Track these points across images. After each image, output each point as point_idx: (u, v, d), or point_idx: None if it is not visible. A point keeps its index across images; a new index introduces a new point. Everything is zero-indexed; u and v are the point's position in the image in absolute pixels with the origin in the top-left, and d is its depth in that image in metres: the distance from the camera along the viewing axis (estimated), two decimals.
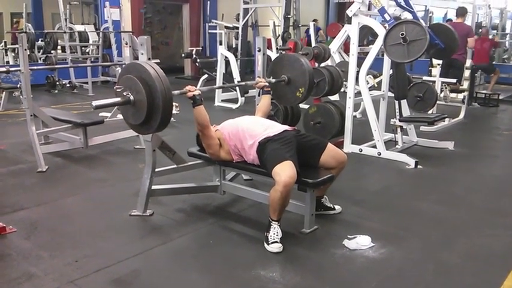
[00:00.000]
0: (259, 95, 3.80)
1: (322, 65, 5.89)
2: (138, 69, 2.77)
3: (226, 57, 8.43)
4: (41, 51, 10.41)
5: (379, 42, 4.83)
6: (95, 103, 2.71)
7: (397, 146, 5.24)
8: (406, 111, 5.49)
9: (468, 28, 7.74)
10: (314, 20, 11.47)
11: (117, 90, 2.82)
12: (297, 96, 3.84)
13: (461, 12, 7.63)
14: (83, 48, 11.16)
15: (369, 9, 5.18)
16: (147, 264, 2.74)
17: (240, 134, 3.18)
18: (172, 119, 4.14)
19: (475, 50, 8.35)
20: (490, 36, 9.85)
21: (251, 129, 3.18)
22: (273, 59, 4.57)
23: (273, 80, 3.80)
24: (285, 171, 2.78)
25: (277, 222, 2.91)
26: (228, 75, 8.61)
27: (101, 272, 2.62)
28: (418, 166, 4.66)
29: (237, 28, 9.90)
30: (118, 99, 2.78)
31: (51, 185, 4.07)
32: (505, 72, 10.43)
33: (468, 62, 7.91)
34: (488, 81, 9.93)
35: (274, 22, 10.33)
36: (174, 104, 6.31)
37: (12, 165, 4.57)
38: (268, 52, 5.96)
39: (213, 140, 3.21)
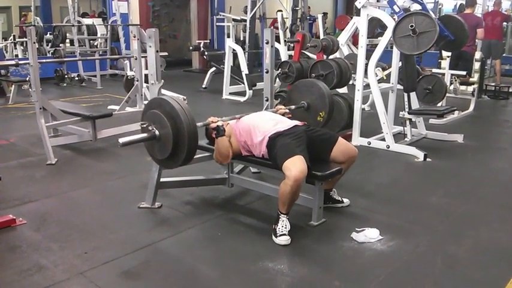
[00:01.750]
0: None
1: (331, 57, 5.86)
2: (162, 104, 2.79)
3: (234, 50, 8.41)
4: (50, 44, 10.45)
5: (388, 34, 4.79)
6: (121, 140, 2.74)
7: (406, 139, 5.21)
8: (415, 104, 5.45)
9: (477, 19, 7.65)
10: (324, 14, 11.42)
11: (142, 126, 2.84)
12: (318, 120, 3.86)
13: (471, 2, 7.54)
14: (91, 41, 11.18)
15: (377, 0, 5.14)
16: (156, 256, 2.76)
17: (251, 130, 3.17)
18: None
19: (485, 25, 8.13)
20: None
21: (261, 125, 3.17)
22: (290, 88, 4.54)
23: (293, 107, 3.81)
24: (295, 166, 2.78)
25: (285, 215, 2.91)
26: (235, 68, 8.59)
27: (110, 264, 2.64)
28: (427, 159, 4.64)
29: (245, 21, 9.86)
30: (144, 135, 2.81)
31: (60, 178, 4.09)
32: None
33: (478, 54, 7.82)
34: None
35: (282, 14, 10.27)
36: (181, 97, 6.32)
37: (22, 158, 4.60)
38: (276, 45, 5.93)
39: (228, 160, 3.22)
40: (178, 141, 2.71)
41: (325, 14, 14.28)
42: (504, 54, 10.47)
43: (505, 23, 10.63)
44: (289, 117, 3.59)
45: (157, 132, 2.77)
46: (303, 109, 3.88)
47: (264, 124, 3.17)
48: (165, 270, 2.62)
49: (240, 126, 3.25)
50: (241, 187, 3.67)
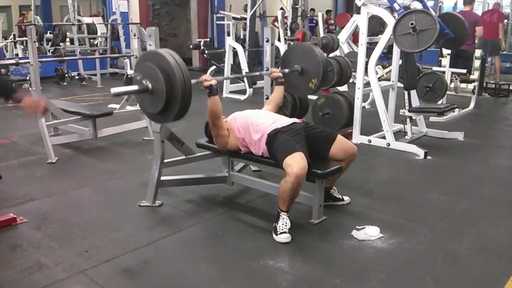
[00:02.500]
0: (271, 85, 3.78)
1: (331, 55, 5.86)
2: (156, 57, 2.74)
3: (234, 48, 8.41)
4: (50, 43, 10.46)
5: (388, 32, 4.79)
6: (113, 90, 2.68)
7: (406, 137, 5.22)
8: (416, 102, 5.45)
9: (476, 16, 7.64)
10: (328, 12, 11.41)
11: (135, 77, 2.79)
12: (310, 87, 3.79)
13: (469, 0, 7.53)
14: (91, 40, 11.18)
15: None
16: (157, 255, 2.76)
17: (250, 127, 3.17)
18: None
19: (483, 23, 8.10)
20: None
21: (259, 122, 3.17)
22: (285, 49, 4.50)
23: (287, 71, 3.75)
24: (296, 163, 2.78)
25: (286, 213, 2.91)
26: (236, 67, 8.59)
27: (111, 262, 2.64)
28: (428, 157, 4.64)
29: (245, 19, 9.85)
30: (136, 86, 2.75)
31: (61, 176, 4.10)
32: None
33: (477, 52, 7.82)
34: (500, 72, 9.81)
35: (282, 12, 10.27)
36: None
37: (23, 157, 4.60)
38: (276, 43, 5.93)
39: (222, 130, 3.21)
40: (171, 97, 2.66)
41: (329, 12, 14.28)
42: (504, 52, 10.48)
43: (505, 21, 10.65)
44: (281, 82, 3.63)
45: (150, 85, 2.72)
46: (296, 73, 3.79)
47: (262, 121, 3.17)
48: (166, 269, 2.62)
49: (238, 123, 3.25)
50: (241, 185, 3.67)
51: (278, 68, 3.82)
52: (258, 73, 3.91)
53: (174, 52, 2.74)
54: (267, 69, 3.82)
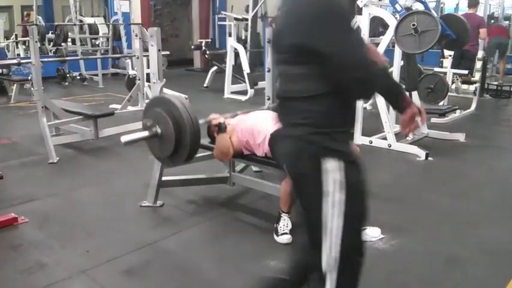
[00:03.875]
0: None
1: None
2: (164, 102, 2.79)
3: (235, 49, 8.41)
4: (52, 43, 10.46)
5: (390, 33, 4.79)
6: (123, 139, 2.73)
7: (407, 138, 5.21)
8: (417, 103, 5.44)
9: (480, 19, 7.64)
10: None
11: (144, 123, 2.83)
12: None
13: (473, 3, 7.53)
14: (92, 40, 11.19)
15: None
16: (158, 255, 2.77)
17: (254, 131, 3.17)
18: None
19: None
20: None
21: (263, 124, 3.16)
22: None
23: None
24: None
25: (287, 214, 2.91)
26: (237, 67, 8.59)
27: (112, 262, 2.65)
28: (429, 158, 4.63)
29: (247, 19, 9.86)
30: (146, 133, 2.81)
31: (62, 176, 4.10)
32: None
33: (480, 53, 7.82)
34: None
35: None
36: (183, 96, 6.30)
37: (24, 157, 4.61)
38: None
39: (228, 158, 3.23)
40: (180, 140, 2.71)
41: None
42: (508, 54, 10.47)
43: (507, 22, 10.64)
44: None
45: (159, 131, 2.77)
46: None
47: (265, 122, 3.17)
48: (167, 269, 2.62)
49: (242, 126, 3.25)
50: (243, 186, 3.67)
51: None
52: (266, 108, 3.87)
53: (181, 97, 2.78)
54: (268, 70, 3.81)
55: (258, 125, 3.16)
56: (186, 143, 2.69)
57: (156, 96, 3.06)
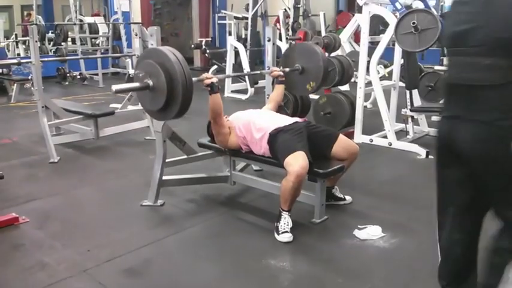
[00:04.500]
0: (272, 84, 3.78)
1: (333, 54, 5.85)
2: (158, 54, 2.75)
3: (235, 47, 8.40)
4: (52, 43, 10.46)
5: (390, 31, 4.79)
6: (114, 87, 2.69)
7: (408, 136, 5.21)
8: (417, 101, 5.44)
9: None
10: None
11: (136, 74, 2.80)
12: (307, 88, 3.80)
13: None
14: (93, 39, 11.19)
15: None
16: (159, 254, 2.77)
17: (251, 127, 3.18)
18: None
19: None
20: None
21: (261, 121, 3.17)
22: (288, 47, 4.45)
23: (287, 70, 3.74)
24: (297, 162, 2.78)
25: (287, 213, 2.91)
26: (237, 66, 8.59)
27: (113, 262, 2.65)
28: (429, 156, 4.63)
29: (247, 18, 9.84)
30: (137, 84, 2.76)
31: (63, 176, 4.10)
32: None
33: None
34: None
35: (284, 12, 10.27)
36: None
37: (25, 157, 4.61)
38: (278, 42, 5.93)
39: (223, 128, 3.22)
40: (172, 93, 2.66)
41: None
42: None
43: None
44: (281, 81, 3.63)
45: (151, 83, 2.73)
46: (297, 72, 3.79)
47: (264, 120, 3.18)
48: (167, 268, 2.62)
49: (239, 122, 3.26)
50: (243, 185, 3.67)
51: (280, 67, 3.82)
52: (259, 72, 3.92)
53: (176, 50, 2.75)
54: (269, 68, 3.82)
55: (257, 122, 3.17)
56: (177, 96, 2.65)
57: (151, 48, 3.03)
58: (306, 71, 3.77)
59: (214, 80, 3.06)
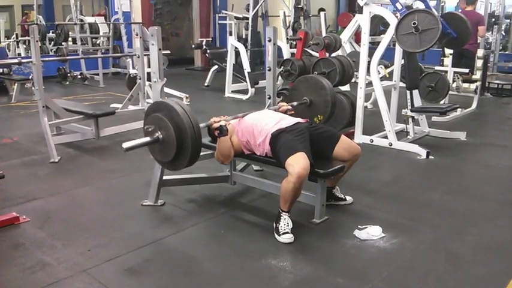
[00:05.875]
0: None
1: (333, 55, 5.85)
2: (165, 107, 2.79)
3: (236, 47, 8.41)
4: (52, 43, 10.47)
5: (390, 31, 4.79)
6: (125, 145, 2.72)
7: (408, 137, 5.21)
8: (418, 102, 5.45)
9: (479, 16, 7.62)
10: (321, 10, 11.45)
11: (146, 129, 2.83)
12: (314, 121, 3.85)
13: (472, 0, 7.52)
14: (93, 39, 11.20)
15: None
16: (159, 254, 2.77)
17: (254, 130, 3.17)
18: None
19: None
20: (503, 26, 9.71)
21: (263, 124, 3.17)
22: (296, 79, 4.43)
23: (295, 104, 3.77)
24: (298, 163, 2.78)
25: (287, 213, 2.91)
26: (238, 66, 8.59)
27: (114, 261, 2.65)
28: (430, 157, 4.63)
29: (247, 18, 9.85)
30: (147, 138, 2.81)
31: (63, 176, 4.10)
32: None
33: (480, 52, 7.81)
34: (502, 71, 9.82)
35: (284, 12, 10.27)
36: (184, 95, 6.33)
37: (25, 156, 4.61)
38: (278, 42, 5.92)
39: (230, 160, 3.24)
40: (182, 145, 2.71)
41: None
42: (507, 52, 10.46)
43: (507, 20, 10.63)
44: (291, 114, 3.59)
45: (160, 136, 2.78)
46: (305, 105, 3.86)
47: (266, 122, 3.17)
48: (168, 268, 2.62)
49: (242, 126, 3.25)
50: (243, 185, 3.67)
51: (285, 100, 3.84)
52: (265, 110, 3.91)
53: (182, 102, 2.79)
54: (269, 69, 3.81)
55: (258, 125, 3.17)
56: (187, 148, 2.70)
57: (157, 101, 3.06)
58: (314, 104, 3.86)
59: (223, 123, 3.06)
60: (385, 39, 4.94)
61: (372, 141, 5.06)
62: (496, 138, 5.62)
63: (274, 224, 2.94)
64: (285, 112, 3.61)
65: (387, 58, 6.14)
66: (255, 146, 3.19)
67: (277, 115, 3.34)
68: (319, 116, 3.82)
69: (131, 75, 6.79)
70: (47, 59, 7.63)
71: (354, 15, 7.15)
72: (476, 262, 2.71)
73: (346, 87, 6.13)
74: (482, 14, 8.72)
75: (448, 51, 7.50)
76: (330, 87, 3.82)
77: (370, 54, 5.07)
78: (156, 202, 3.41)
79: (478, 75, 7.71)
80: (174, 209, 3.38)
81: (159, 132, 2.77)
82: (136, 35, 5.20)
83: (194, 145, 2.70)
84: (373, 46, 5.32)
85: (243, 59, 8.26)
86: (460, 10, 7.93)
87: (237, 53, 8.53)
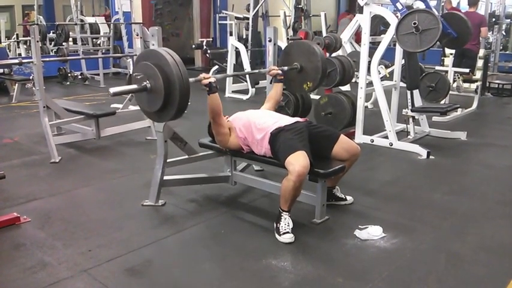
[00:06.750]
0: (271, 83, 3.77)
1: (334, 55, 5.86)
2: (155, 55, 2.75)
3: (236, 48, 8.41)
4: (53, 43, 10.48)
5: (391, 31, 4.79)
6: (112, 90, 2.70)
7: (409, 137, 5.21)
8: (419, 102, 5.45)
9: (481, 17, 7.63)
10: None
11: (134, 76, 2.80)
12: (303, 87, 3.79)
13: (474, 1, 7.53)
14: (94, 40, 11.20)
15: None
16: (160, 254, 2.77)
17: (252, 127, 3.18)
18: None
19: None
20: (504, 26, 9.71)
21: (262, 121, 3.17)
22: (288, 44, 4.42)
23: (286, 68, 3.72)
24: (298, 161, 2.78)
25: (288, 213, 2.91)
26: (238, 66, 8.60)
27: (114, 261, 2.65)
28: (430, 156, 4.63)
29: (248, 18, 9.86)
30: (135, 86, 2.77)
31: (64, 176, 4.11)
32: None
33: (481, 52, 7.81)
34: (503, 71, 9.81)
35: (284, 12, 10.28)
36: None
37: (26, 156, 4.61)
38: (279, 42, 5.93)
39: (223, 128, 3.22)
40: (169, 95, 2.67)
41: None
42: (508, 52, 10.45)
43: (508, 20, 10.63)
44: (280, 79, 3.62)
45: (148, 85, 2.74)
46: (295, 70, 3.77)
47: (265, 120, 3.17)
48: (168, 268, 2.62)
49: (240, 122, 3.26)
50: (244, 185, 3.67)
51: (278, 64, 3.81)
52: (257, 71, 3.91)
53: (172, 51, 2.76)
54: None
55: (258, 122, 3.17)
56: (175, 99, 2.67)
57: (148, 49, 3.03)
58: (305, 70, 3.75)
59: (212, 79, 3.06)
60: (386, 39, 4.94)
61: (373, 141, 5.06)
62: (497, 138, 5.62)
63: (275, 224, 2.94)
64: (274, 76, 3.62)
65: (388, 58, 6.15)
66: (253, 142, 3.19)
67: (276, 114, 3.34)
68: (308, 83, 3.73)
69: (132, 76, 6.80)
70: (47, 59, 7.65)
71: (355, 15, 7.15)
72: (477, 262, 2.71)
73: (346, 87, 6.14)
74: (483, 14, 8.72)
75: (448, 51, 7.51)
76: (321, 54, 3.74)
77: (371, 54, 5.07)
78: (157, 202, 3.41)
79: (478, 75, 7.72)
80: (175, 209, 3.39)
81: (148, 81, 2.74)
82: (137, 35, 5.20)
83: (182, 96, 2.65)
84: (373, 46, 5.32)
85: (244, 59, 8.26)
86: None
87: (238, 53, 8.53)
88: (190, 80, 2.77)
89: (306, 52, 3.76)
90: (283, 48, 4.09)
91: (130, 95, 5.60)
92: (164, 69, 2.66)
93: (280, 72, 3.63)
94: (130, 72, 6.97)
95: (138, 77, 2.76)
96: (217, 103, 3.12)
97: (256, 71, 3.97)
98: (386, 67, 6.32)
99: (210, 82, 3.05)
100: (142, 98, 2.86)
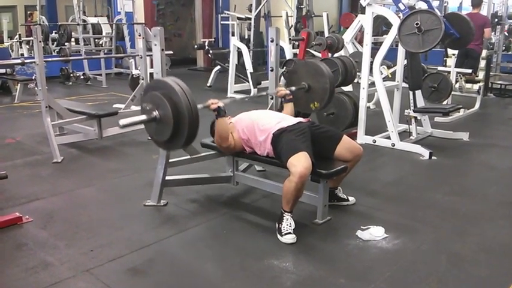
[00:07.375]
0: (280, 103, 3.75)
1: (336, 55, 5.85)
2: (162, 86, 2.77)
3: (239, 48, 8.42)
4: (55, 43, 10.50)
5: (393, 32, 4.78)
6: (121, 122, 2.71)
7: (411, 137, 5.21)
8: (421, 102, 5.44)
9: (484, 18, 7.62)
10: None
11: (144, 107, 2.82)
12: (310, 107, 3.78)
13: (477, 2, 7.52)
14: (96, 40, 11.22)
15: None
16: (162, 254, 2.77)
17: (255, 128, 3.18)
18: None
19: None
20: (506, 26, 9.69)
21: (265, 122, 3.17)
22: (296, 63, 4.38)
23: (293, 88, 3.70)
24: (300, 162, 2.78)
25: (289, 214, 2.91)
26: (240, 67, 8.60)
27: (116, 261, 2.65)
28: (433, 157, 4.63)
29: (250, 19, 9.86)
30: (144, 116, 2.79)
31: (66, 176, 4.11)
32: None
33: (483, 53, 7.80)
34: (505, 72, 9.78)
35: (287, 12, 10.27)
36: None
37: (28, 156, 4.62)
38: (281, 43, 5.93)
39: (229, 144, 3.21)
40: (179, 124, 2.68)
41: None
42: (510, 53, 10.43)
43: (510, 21, 10.61)
44: (289, 99, 3.59)
45: (157, 115, 2.75)
46: (303, 90, 3.75)
47: (268, 121, 3.17)
48: (170, 268, 2.63)
49: (243, 124, 3.26)
50: (246, 185, 3.67)
51: (284, 84, 3.78)
52: (265, 93, 3.88)
53: (180, 80, 2.77)
54: (271, 69, 3.82)
55: (260, 124, 3.17)
56: (184, 129, 2.67)
57: (156, 79, 3.04)
58: (312, 90, 3.74)
59: (221, 104, 3.06)
60: (388, 39, 4.93)
61: (375, 142, 5.06)
62: (499, 139, 5.61)
63: (277, 225, 2.94)
64: (283, 97, 3.60)
65: (390, 58, 6.14)
66: (255, 143, 3.19)
67: (279, 114, 3.34)
68: (315, 103, 3.74)
69: (134, 76, 6.81)
70: (50, 59, 7.64)
71: (357, 16, 7.15)
72: (478, 263, 2.71)
73: (348, 88, 6.13)
74: (486, 14, 8.71)
75: (451, 51, 7.50)
76: (330, 74, 3.71)
77: (373, 54, 5.06)
78: (159, 202, 3.41)
79: (481, 75, 7.71)
80: (177, 209, 3.39)
81: (157, 111, 2.74)
82: (139, 35, 5.21)
83: (191, 126, 2.66)
84: (375, 46, 5.31)
85: (246, 59, 8.26)
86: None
87: (240, 54, 8.54)
88: (198, 106, 2.78)
89: (314, 72, 3.75)
90: (286, 52, 4.07)
91: (132, 95, 5.61)
92: (173, 100, 2.67)
93: (288, 92, 3.60)
94: (133, 73, 7.00)
95: (147, 107, 2.77)
96: (225, 128, 3.12)
97: (264, 93, 3.91)
98: (389, 67, 6.32)
99: (218, 107, 3.05)
100: (151, 128, 2.88)
